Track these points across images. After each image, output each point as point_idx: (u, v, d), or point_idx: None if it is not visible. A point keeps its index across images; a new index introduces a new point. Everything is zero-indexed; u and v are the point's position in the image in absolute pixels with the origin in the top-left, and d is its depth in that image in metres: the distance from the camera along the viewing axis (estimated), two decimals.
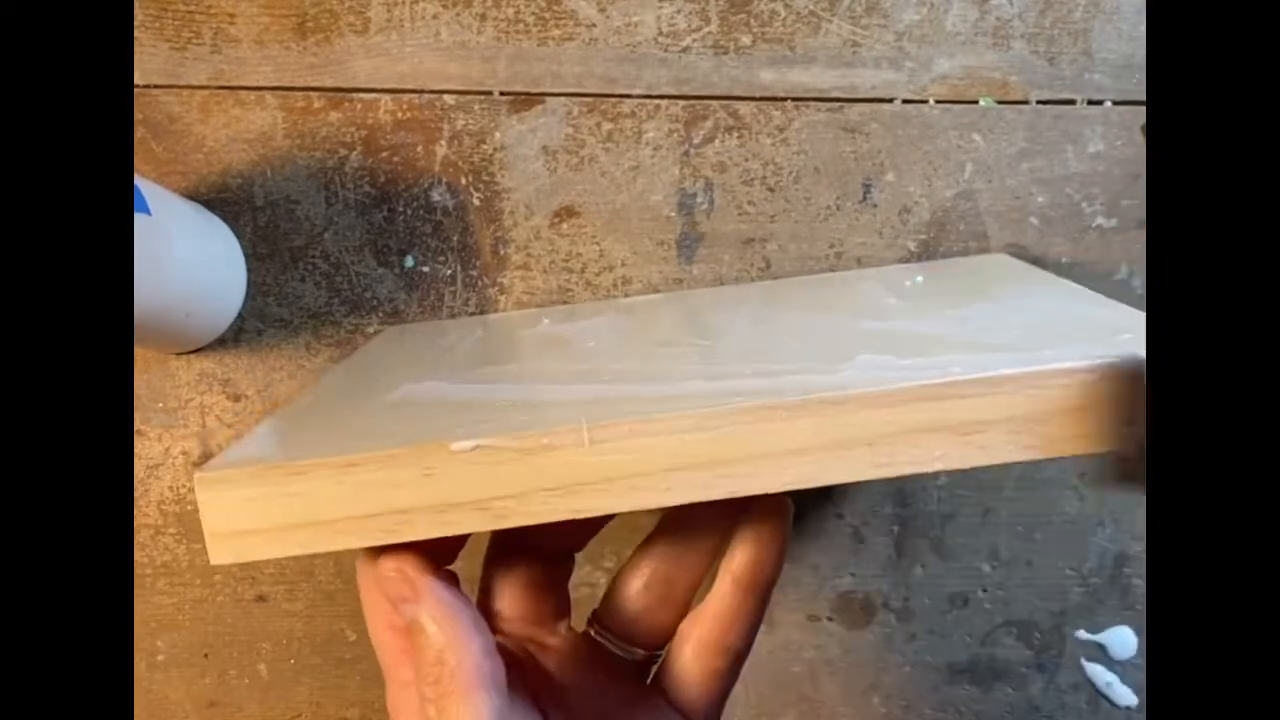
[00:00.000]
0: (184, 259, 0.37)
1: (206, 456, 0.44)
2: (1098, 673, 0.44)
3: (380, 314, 0.44)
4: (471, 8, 0.43)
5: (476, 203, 0.44)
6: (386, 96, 0.43)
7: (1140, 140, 0.43)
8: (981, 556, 0.44)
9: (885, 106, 0.43)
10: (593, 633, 0.30)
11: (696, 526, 0.29)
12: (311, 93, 0.43)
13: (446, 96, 0.43)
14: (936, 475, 0.44)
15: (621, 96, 0.43)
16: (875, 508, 0.44)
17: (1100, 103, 0.43)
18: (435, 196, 0.43)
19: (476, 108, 0.43)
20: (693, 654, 0.29)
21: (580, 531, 0.31)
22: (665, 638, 0.30)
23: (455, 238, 0.44)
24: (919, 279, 0.39)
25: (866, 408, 0.24)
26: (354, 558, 0.44)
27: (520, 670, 0.28)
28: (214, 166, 0.43)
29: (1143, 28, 0.43)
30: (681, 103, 0.43)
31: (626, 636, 0.29)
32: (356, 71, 0.43)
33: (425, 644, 0.25)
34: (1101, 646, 0.44)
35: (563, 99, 0.43)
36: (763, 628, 0.44)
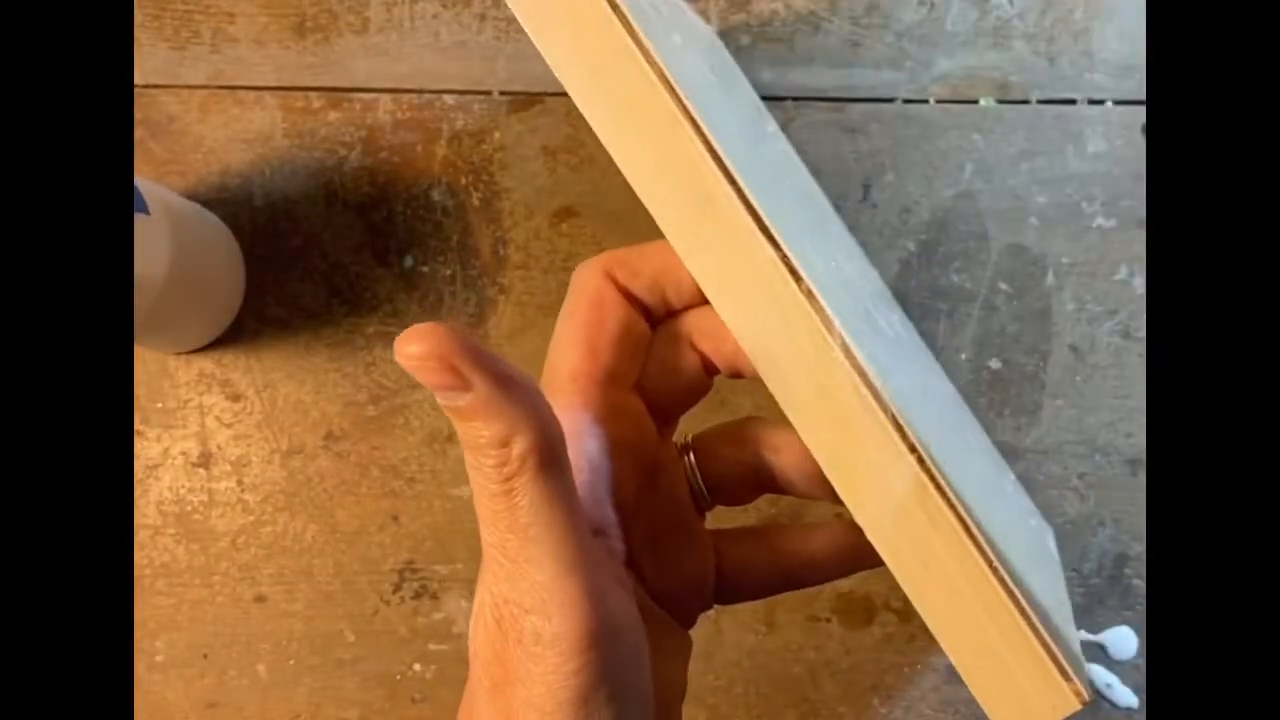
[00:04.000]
0: (182, 259, 0.37)
1: (205, 457, 0.44)
2: (1098, 673, 0.44)
3: (379, 314, 0.44)
4: (471, 8, 0.43)
5: (476, 203, 0.43)
6: (386, 96, 0.43)
7: (1140, 140, 0.43)
8: None
9: (885, 106, 0.43)
10: (688, 459, 0.30)
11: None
12: (311, 92, 0.43)
13: (446, 96, 0.43)
14: None
15: None
16: None
17: (1101, 102, 0.43)
18: (435, 196, 0.43)
19: (476, 108, 0.43)
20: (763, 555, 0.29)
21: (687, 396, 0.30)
22: (742, 501, 0.30)
23: (455, 238, 0.43)
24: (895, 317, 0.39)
25: None
26: (353, 560, 0.44)
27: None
28: (213, 166, 0.43)
29: (1143, 28, 0.43)
30: None
31: (713, 478, 0.29)
32: (356, 71, 0.43)
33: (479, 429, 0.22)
34: (1101, 646, 0.44)
35: (562, 99, 0.43)
36: (762, 628, 0.44)
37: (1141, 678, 0.44)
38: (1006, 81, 0.43)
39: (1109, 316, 0.44)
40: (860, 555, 0.27)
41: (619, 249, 0.28)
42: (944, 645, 0.24)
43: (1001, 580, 0.24)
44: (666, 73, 0.23)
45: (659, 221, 0.25)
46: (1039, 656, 0.24)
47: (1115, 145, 0.43)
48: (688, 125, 0.23)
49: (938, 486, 0.24)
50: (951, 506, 0.24)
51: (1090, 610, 0.44)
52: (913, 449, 0.24)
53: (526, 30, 0.24)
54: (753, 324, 0.24)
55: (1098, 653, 0.44)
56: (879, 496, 0.24)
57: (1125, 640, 0.44)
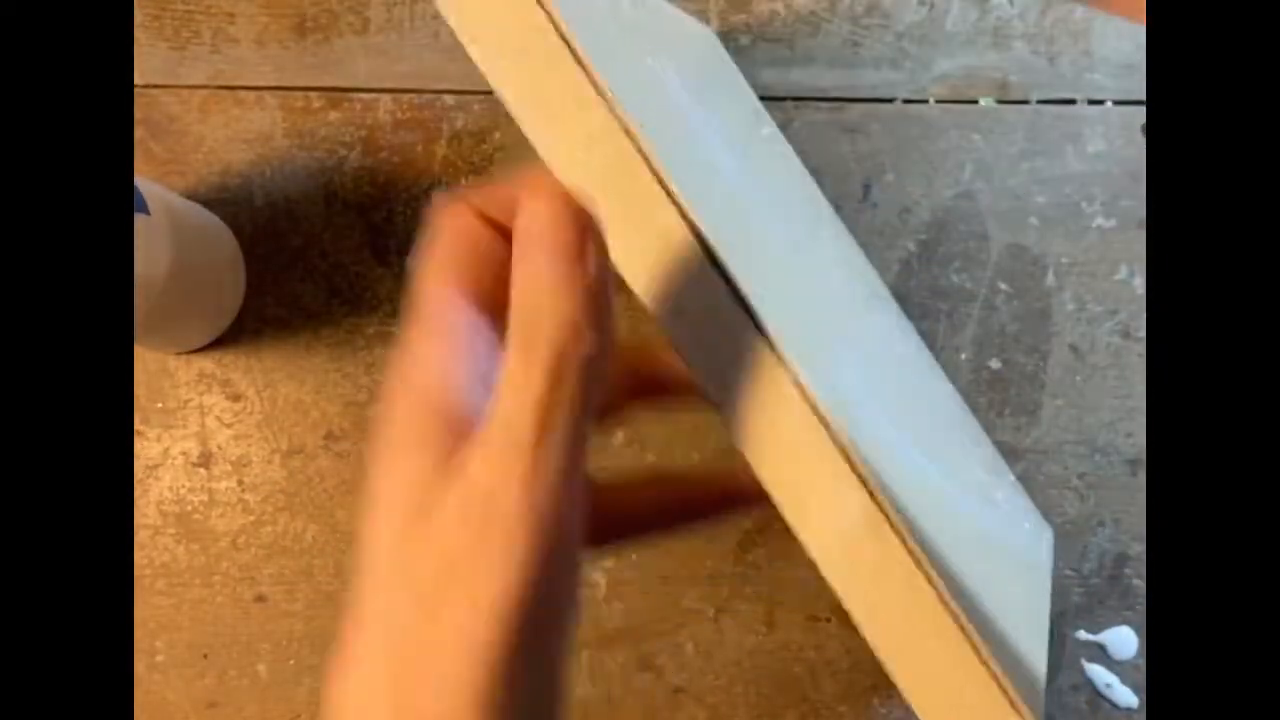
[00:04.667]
0: (182, 259, 0.37)
1: (206, 457, 0.44)
2: (1098, 673, 0.44)
3: (379, 314, 0.44)
4: None
5: None
6: (386, 96, 0.43)
7: (1140, 140, 0.43)
8: None
9: (885, 106, 0.43)
10: None
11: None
12: (311, 92, 0.43)
13: (446, 96, 0.43)
14: None
15: None
16: None
17: (1100, 102, 0.43)
18: (435, 196, 0.43)
19: (476, 107, 0.43)
20: None
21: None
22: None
23: None
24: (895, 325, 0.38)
25: None
26: (353, 560, 0.44)
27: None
28: (213, 166, 0.43)
29: (1142, 27, 0.43)
30: None
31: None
32: (356, 71, 0.43)
33: None
34: (1101, 647, 0.44)
35: None
36: (762, 628, 0.44)
37: (1141, 678, 0.44)
38: (1006, 81, 0.43)
39: (1109, 316, 0.44)
40: (742, 489, 0.26)
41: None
42: (893, 676, 0.24)
43: (954, 615, 0.24)
44: (614, 101, 0.23)
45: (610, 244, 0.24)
46: (991, 690, 0.24)
47: (1115, 145, 0.43)
48: (640, 160, 0.23)
49: (889, 520, 0.24)
50: (903, 540, 0.24)
51: (1090, 610, 0.44)
52: (864, 482, 0.24)
53: (462, 43, 0.23)
54: (705, 354, 0.24)
55: (1098, 653, 0.44)
56: (830, 528, 0.24)
57: (1125, 640, 0.44)
